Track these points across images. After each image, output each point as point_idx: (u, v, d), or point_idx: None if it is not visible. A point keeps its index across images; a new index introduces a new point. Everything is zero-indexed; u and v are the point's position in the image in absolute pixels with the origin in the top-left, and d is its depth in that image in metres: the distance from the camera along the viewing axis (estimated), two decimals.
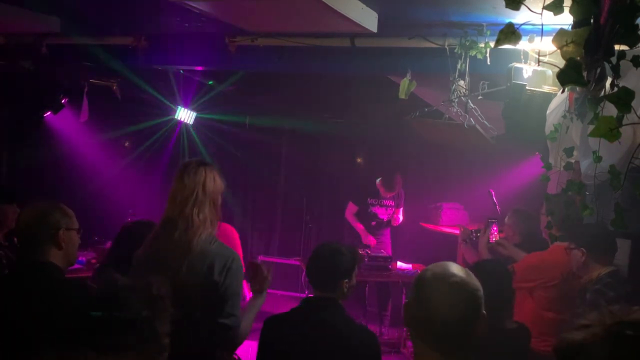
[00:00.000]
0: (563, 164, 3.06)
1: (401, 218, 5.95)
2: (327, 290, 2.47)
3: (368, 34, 3.54)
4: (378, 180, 5.76)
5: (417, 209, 6.29)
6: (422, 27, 3.66)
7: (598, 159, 2.41)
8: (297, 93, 6.19)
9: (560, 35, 1.85)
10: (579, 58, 1.83)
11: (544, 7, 1.84)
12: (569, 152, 2.96)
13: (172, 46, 4.63)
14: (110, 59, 4.86)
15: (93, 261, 4.77)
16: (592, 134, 1.87)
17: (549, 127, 3.23)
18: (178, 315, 1.73)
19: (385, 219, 5.92)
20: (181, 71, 5.71)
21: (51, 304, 2.09)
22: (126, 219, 5.38)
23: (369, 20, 3.39)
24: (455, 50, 3.60)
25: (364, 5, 3.28)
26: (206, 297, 2.31)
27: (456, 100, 3.67)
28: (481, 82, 3.63)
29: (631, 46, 1.77)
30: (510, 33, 1.91)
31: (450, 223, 6.00)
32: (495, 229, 4.06)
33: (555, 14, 1.84)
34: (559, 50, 1.85)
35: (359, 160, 7.89)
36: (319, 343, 2.36)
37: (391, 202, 5.86)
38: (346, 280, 2.48)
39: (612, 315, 1.07)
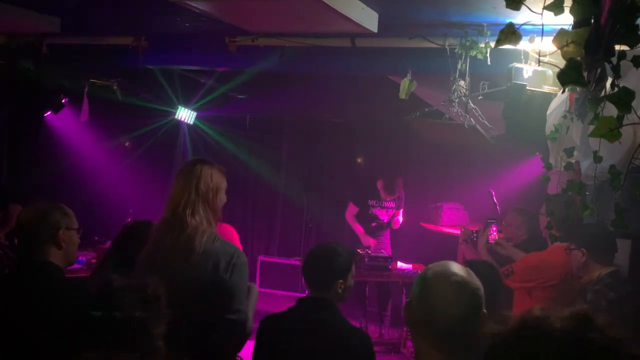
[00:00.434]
0: (563, 164, 3.06)
1: (401, 220, 5.94)
2: (321, 290, 2.47)
3: (368, 34, 3.53)
4: (379, 182, 5.75)
5: (417, 209, 6.28)
6: (422, 27, 3.65)
7: (598, 159, 2.41)
8: (297, 93, 6.19)
9: (560, 36, 1.85)
10: (579, 58, 1.83)
11: (545, 8, 1.84)
12: (569, 152, 2.96)
13: (172, 46, 4.64)
14: (110, 59, 4.86)
15: (93, 261, 4.78)
16: (593, 134, 1.87)
17: (549, 127, 3.23)
18: (178, 315, 1.73)
19: (386, 221, 5.91)
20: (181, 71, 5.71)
21: (51, 303, 2.09)
22: (126, 219, 5.37)
23: (370, 20, 3.39)
24: (456, 51, 3.60)
25: (364, 5, 3.28)
26: (213, 295, 2.31)
27: (456, 100, 3.67)
28: (481, 82, 3.63)
29: (631, 46, 1.77)
30: (511, 33, 1.91)
31: (450, 223, 5.99)
32: (494, 229, 4.06)
33: (556, 14, 1.84)
34: (559, 51, 1.85)
35: (359, 160, 7.88)
36: (314, 342, 2.36)
37: (392, 204, 5.86)
38: (341, 281, 2.45)
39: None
